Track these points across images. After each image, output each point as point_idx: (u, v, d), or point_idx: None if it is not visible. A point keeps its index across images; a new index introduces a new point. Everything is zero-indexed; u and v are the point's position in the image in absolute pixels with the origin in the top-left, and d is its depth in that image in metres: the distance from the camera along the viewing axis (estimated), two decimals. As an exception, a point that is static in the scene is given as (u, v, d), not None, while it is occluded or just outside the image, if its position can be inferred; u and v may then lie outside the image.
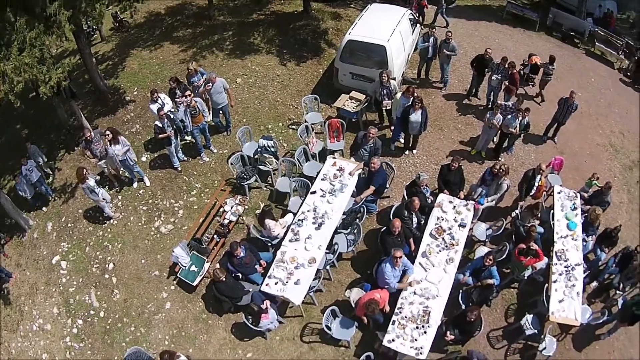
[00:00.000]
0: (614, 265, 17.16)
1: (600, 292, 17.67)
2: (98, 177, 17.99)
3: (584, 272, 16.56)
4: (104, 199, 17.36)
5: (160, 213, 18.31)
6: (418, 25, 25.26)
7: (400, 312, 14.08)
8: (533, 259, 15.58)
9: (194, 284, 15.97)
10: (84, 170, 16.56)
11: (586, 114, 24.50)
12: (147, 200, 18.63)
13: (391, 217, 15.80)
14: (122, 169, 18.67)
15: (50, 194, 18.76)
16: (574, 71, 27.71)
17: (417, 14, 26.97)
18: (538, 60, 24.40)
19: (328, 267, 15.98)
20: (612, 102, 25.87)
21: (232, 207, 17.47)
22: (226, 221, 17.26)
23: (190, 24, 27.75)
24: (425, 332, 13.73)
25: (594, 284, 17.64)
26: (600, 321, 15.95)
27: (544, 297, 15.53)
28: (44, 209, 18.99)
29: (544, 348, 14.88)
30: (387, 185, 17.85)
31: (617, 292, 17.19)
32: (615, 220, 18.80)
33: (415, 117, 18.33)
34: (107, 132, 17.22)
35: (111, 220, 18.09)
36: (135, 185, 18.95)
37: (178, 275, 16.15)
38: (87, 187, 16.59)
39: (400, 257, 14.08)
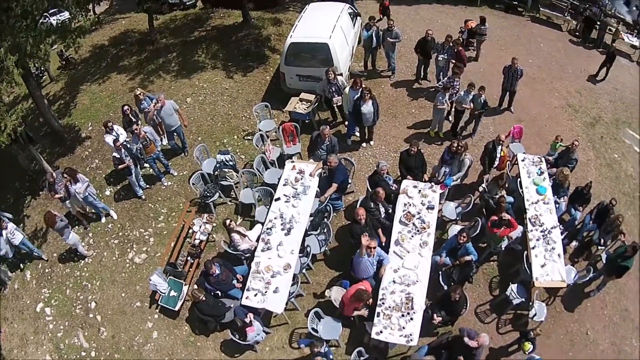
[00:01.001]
0: (591, 221, 17.33)
1: (582, 251, 17.85)
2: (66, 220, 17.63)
3: (562, 233, 16.80)
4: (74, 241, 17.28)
5: (132, 244, 18.18)
6: (358, 17, 25.32)
7: (383, 303, 14.09)
8: (507, 229, 15.69)
9: (176, 308, 15.85)
10: (53, 214, 16.53)
11: (539, 79, 24.80)
12: (117, 234, 18.47)
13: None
14: (87, 206, 18.49)
15: (40, 254, 18.23)
16: (521, 39, 28.21)
17: (382, 15, 27.11)
18: (473, 24, 25.29)
19: (304, 270, 15.96)
20: (565, 64, 26.38)
21: (200, 227, 17.33)
22: (197, 241, 17.16)
23: (135, 51, 27.64)
24: (411, 319, 13.76)
25: (574, 243, 17.82)
26: (587, 279, 16.09)
27: (525, 265, 15.66)
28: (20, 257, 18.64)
29: (535, 314, 15.02)
30: (350, 181, 17.95)
31: (599, 247, 17.33)
32: (585, 178, 19.01)
33: (367, 108, 18.39)
34: (64, 173, 17.11)
35: (86, 259, 17.90)
36: (103, 220, 18.77)
37: (159, 303, 16.05)
38: (58, 228, 16.53)
39: (375, 248, 14.14)
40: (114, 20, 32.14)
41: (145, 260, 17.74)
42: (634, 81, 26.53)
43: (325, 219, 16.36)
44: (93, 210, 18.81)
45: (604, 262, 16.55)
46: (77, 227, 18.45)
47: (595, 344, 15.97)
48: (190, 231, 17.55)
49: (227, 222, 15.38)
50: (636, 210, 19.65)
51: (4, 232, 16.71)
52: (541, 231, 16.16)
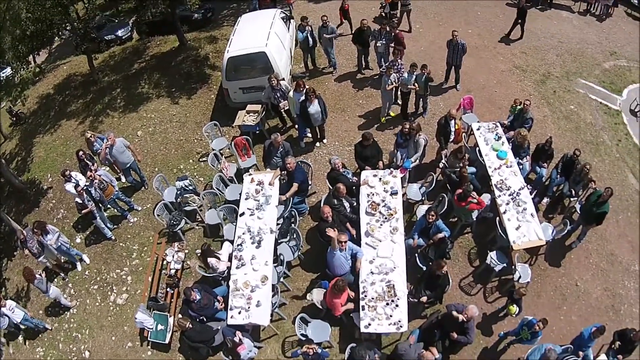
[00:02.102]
0: (558, 175, 17.49)
1: (555, 206, 18.01)
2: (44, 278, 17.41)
3: (531, 192, 16.98)
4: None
5: (111, 286, 17.96)
6: (292, 20, 25.40)
7: (366, 296, 14.05)
8: (475, 205, 15.71)
9: (166, 341, 15.71)
10: (30, 269, 16.37)
11: (482, 46, 24.98)
12: (95, 279, 18.24)
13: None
14: (61, 256, 18.28)
15: (43, 325, 17.69)
16: (457, 11, 28.44)
17: (343, 19, 26.92)
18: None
19: (282, 279, 15.85)
20: (505, 28, 26.42)
21: (173, 256, 17.24)
22: (172, 271, 17.04)
23: (80, 95, 27.36)
24: (397, 306, 13.76)
25: (545, 200, 17.99)
26: (565, 232, 16.12)
27: (500, 230, 15.71)
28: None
29: (519, 277, 15.03)
30: (309, 182, 17.90)
31: (571, 199, 17.52)
32: (545, 135, 19.01)
33: (314, 108, 18.39)
34: (34, 228, 16.85)
35: (71, 310, 17.67)
36: (79, 268, 18.55)
37: (149, 339, 15.87)
38: (38, 282, 16.35)
39: (346, 242, 14.16)
40: (56, 67, 31.87)
41: (127, 299, 17.53)
42: (578, 32, 26.81)
43: (293, 225, 16.30)
44: (67, 259, 18.59)
45: (579, 212, 16.71)
46: (55, 279, 18.28)
47: (587, 294, 16.09)
48: (165, 262, 17.40)
49: (203, 247, 15.49)
50: (601, 157, 19.78)
51: (2, 310, 16.51)
52: (509, 195, 16.23)
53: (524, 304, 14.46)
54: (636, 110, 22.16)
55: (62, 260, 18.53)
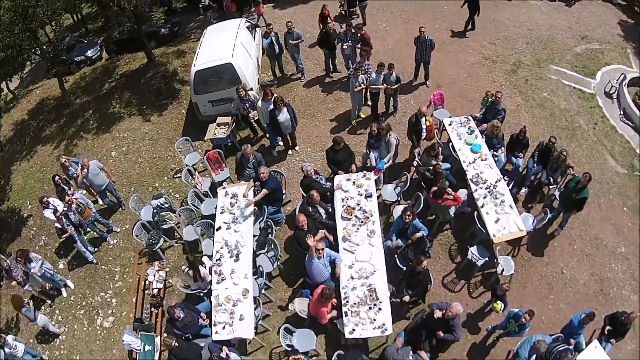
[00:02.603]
0: (535, 164, 17.38)
1: (534, 195, 17.96)
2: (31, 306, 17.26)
3: (509, 184, 16.94)
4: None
5: (97, 310, 17.81)
6: (258, 29, 25.36)
7: (347, 302, 13.94)
8: (452, 201, 15.57)
9: (155, 361, 15.58)
10: (19, 296, 16.38)
11: (449, 41, 25.13)
12: (80, 304, 18.09)
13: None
14: (46, 283, 18.16)
15: (39, 357, 17.37)
16: (425, 7, 28.42)
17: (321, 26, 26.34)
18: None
19: (263, 290, 15.72)
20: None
21: (154, 276, 17.12)
22: (155, 290, 16.90)
23: (54, 119, 27.19)
24: (380, 309, 13.65)
25: (524, 190, 17.91)
26: (546, 220, 16.10)
27: (479, 225, 15.61)
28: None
29: (502, 270, 14.96)
30: (284, 191, 17.82)
31: (550, 187, 17.43)
32: (520, 124, 18.87)
33: (283, 116, 18.31)
34: (17, 257, 16.78)
35: (59, 337, 17.51)
36: (64, 294, 18.41)
37: (138, 360, 15.76)
38: (26, 311, 16.21)
39: (323, 249, 14.05)
40: (29, 92, 31.72)
41: (113, 322, 17.39)
42: (547, 18, 26.86)
43: (270, 235, 16.18)
44: (52, 286, 18.45)
45: (559, 199, 16.62)
46: (42, 307, 18.15)
47: (574, 280, 16.04)
48: (147, 282, 17.27)
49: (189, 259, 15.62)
50: (579, 142, 19.77)
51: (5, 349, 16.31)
52: (486, 188, 16.16)
53: (509, 297, 14.34)
54: (611, 92, 22.15)
55: (47, 287, 18.40)
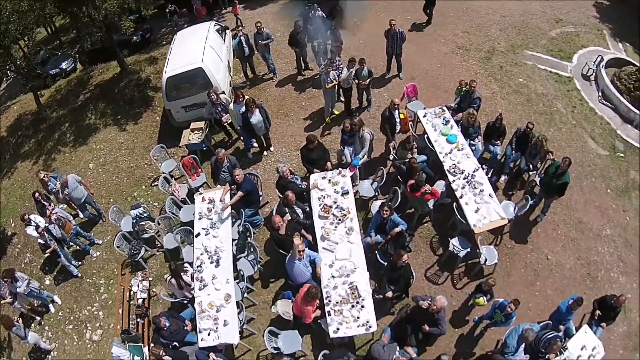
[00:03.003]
0: (513, 151, 17.34)
1: (514, 182, 17.94)
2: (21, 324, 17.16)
3: (487, 172, 16.90)
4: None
5: (85, 324, 17.72)
6: (227, 31, 25.40)
7: (330, 301, 13.87)
8: (430, 195, 15.51)
9: (145, 371, 15.49)
10: (8, 316, 16.34)
11: (422, 32, 24.92)
12: (69, 319, 18.03)
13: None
14: (34, 300, 18.07)
15: None
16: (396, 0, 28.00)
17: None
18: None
19: (246, 294, 15.68)
20: (444, 10, 26.45)
21: (138, 286, 17.06)
22: (140, 301, 16.83)
23: (31, 134, 27.03)
24: (363, 307, 13.60)
25: (503, 178, 17.92)
26: (528, 207, 15.96)
27: (459, 215, 15.54)
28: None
29: (485, 260, 14.95)
30: (261, 193, 17.77)
31: (530, 173, 17.37)
32: (497, 112, 18.81)
33: (256, 118, 18.28)
34: (4, 277, 16.78)
35: (51, 353, 17.46)
36: (52, 309, 18.34)
37: (129, 371, 15.70)
38: (17, 329, 16.13)
39: (303, 250, 13.96)
40: (7, 109, 31.56)
41: (102, 335, 17.31)
42: (520, 4, 26.93)
43: (249, 239, 16.10)
44: (40, 302, 18.38)
45: (540, 185, 16.61)
46: (32, 324, 18.10)
47: (560, 266, 16.03)
48: (131, 293, 17.20)
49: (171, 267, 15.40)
50: (557, 126, 19.75)
51: None
52: (464, 178, 16.11)
53: (494, 287, 14.20)
54: (589, 74, 22.14)
55: (36, 304, 18.32)
